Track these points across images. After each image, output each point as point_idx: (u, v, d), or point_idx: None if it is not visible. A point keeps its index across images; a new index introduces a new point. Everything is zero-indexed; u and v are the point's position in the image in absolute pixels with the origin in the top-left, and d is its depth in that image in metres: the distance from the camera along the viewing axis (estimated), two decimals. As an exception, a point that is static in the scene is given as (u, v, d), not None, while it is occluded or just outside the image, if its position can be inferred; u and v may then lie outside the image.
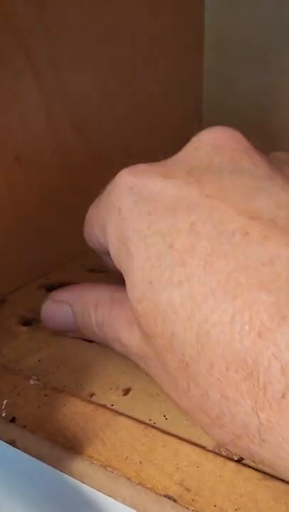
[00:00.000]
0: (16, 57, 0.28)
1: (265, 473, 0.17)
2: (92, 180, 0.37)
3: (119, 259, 0.20)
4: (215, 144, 0.19)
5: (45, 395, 0.21)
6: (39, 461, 0.18)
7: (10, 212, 0.30)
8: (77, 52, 0.33)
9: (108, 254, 0.21)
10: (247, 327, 0.14)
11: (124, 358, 0.25)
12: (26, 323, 0.28)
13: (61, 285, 0.33)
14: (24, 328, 0.27)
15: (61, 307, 0.24)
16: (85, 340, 0.26)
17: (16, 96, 0.29)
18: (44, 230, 0.33)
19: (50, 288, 0.33)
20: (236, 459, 0.18)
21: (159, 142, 0.46)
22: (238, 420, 0.15)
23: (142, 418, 0.20)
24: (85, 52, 0.34)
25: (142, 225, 0.18)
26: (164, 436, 0.19)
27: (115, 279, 0.22)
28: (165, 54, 0.43)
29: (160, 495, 0.16)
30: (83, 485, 0.17)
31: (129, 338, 0.21)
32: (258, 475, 0.17)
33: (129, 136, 0.41)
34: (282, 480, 0.17)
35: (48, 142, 0.32)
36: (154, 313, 0.17)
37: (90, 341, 0.26)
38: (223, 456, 0.18)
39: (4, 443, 0.19)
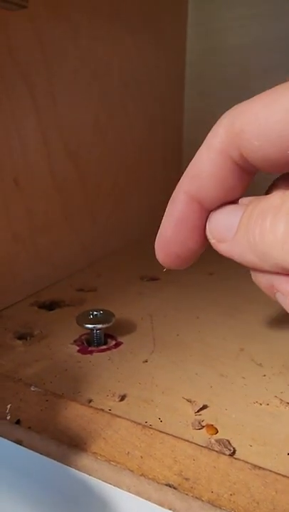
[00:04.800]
0: (18, 89, 0.30)
1: (255, 465, 0.19)
2: (80, 203, 0.40)
3: None
4: None
5: (47, 400, 0.22)
6: (45, 458, 0.19)
7: (5, 233, 0.32)
8: (72, 87, 0.35)
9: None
10: None
11: (118, 368, 0.26)
12: (21, 337, 0.29)
13: (52, 303, 0.35)
14: (19, 342, 0.28)
15: None
16: (79, 352, 0.28)
17: (17, 124, 0.31)
18: (36, 251, 0.35)
19: (42, 305, 0.34)
20: (228, 453, 0.20)
21: (143, 174, 0.49)
22: None
23: (138, 421, 0.21)
24: (79, 87, 0.36)
25: None
26: (161, 434, 0.20)
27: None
28: (150, 91, 0.46)
29: (162, 484, 0.18)
30: (90, 477, 0.19)
31: None
32: (249, 465, 0.19)
33: (116, 166, 0.44)
34: (270, 470, 0.18)
35: (44, 167, 0.34)
36: None
37: (84, 353, 0.28)
38: (216, 451, 0.19)
39: (11, 443, 0.20)
